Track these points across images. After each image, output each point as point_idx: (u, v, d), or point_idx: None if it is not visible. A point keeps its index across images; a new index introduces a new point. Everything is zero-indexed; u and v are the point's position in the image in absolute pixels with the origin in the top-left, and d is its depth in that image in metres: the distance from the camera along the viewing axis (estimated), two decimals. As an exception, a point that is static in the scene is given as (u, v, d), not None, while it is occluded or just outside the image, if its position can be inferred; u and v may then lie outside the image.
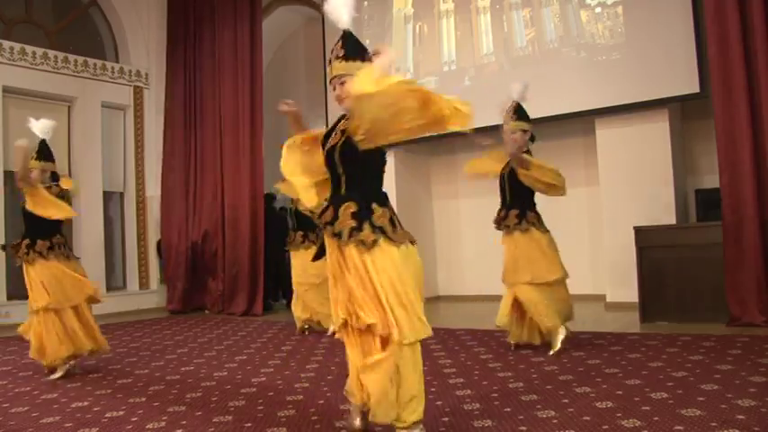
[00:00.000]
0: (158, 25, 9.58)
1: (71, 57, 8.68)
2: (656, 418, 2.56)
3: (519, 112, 4.41)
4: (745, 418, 2.50)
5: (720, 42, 5.17)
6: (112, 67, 9.20)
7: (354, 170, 2.51)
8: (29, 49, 8.24)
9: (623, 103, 6.38)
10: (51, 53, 8.47)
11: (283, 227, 9.25)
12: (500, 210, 4.49)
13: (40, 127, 4.73)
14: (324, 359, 4.46)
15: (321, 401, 3.21)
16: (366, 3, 8.58)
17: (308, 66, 10.38)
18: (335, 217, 2.48)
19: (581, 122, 6.92)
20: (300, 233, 6.10)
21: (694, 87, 5.96)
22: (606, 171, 6.61)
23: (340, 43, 2.52)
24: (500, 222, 4.44)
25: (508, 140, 4.31)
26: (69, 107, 8.80)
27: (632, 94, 6.32)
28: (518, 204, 4.36)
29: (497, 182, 4.56)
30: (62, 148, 8.73)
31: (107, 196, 9.13)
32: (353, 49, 2.50)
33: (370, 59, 2.45)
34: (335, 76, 2.51)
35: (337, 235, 2.46)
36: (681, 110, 6.65)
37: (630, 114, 6.41)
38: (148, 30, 9.58)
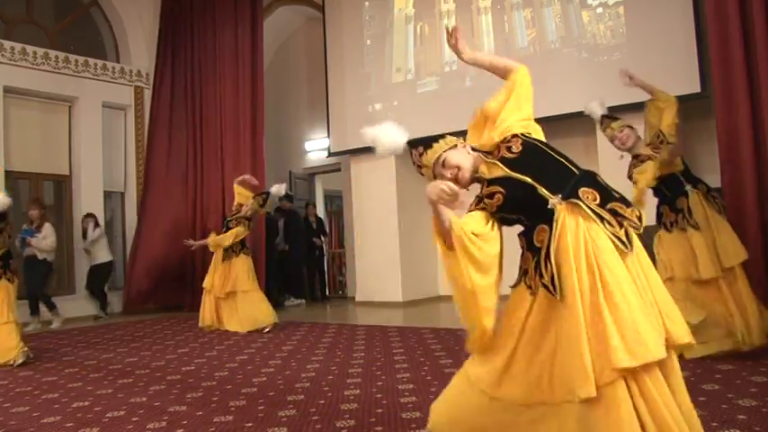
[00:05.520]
0: (159, 25, 9.58)
1: (72, 57, 8.69)
2: (657, 418, 2.55)
3: (610, 117, 4.36)
4: (746, 417, 2.49)
5: (721, 42, 5.17)
6: (113, 67, 9.20)
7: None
8: (29, 49, 8.25)
9: (624, 102, 6.37)
10: (52, 53, 8.48)
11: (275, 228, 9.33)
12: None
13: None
14: (324, 359, 4.46)
15: (322, 401, 3.20)
16: (367, 3, 8.58)
17: (308, 66, 10.38)
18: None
19: (582, 122, 6.89)
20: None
21: (695, 87, 5.95)
22: (607, 171, 6.51)
23: (414, 154, 2.18)
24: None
25: (620, 141, 4.21)
26: (70, 107, 8.81)
27: (633, 94, 6.28)
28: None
29: None
30: (63, 148, 8.75)
31: (107, 196, 9.15)
32: (426, 141, 2.17)
33: (447, 136, 2.18)
34: (434, 165, 2.13)
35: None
36: (682, 109, 6.63)
37: (631, 114, 6.39)
38: (149, 30, 9.59)
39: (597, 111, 4.44)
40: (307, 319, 7.33)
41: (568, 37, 6.85)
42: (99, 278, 8.32)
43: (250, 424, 2.85)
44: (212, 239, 6.50)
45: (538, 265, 1.90)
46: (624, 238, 1.81)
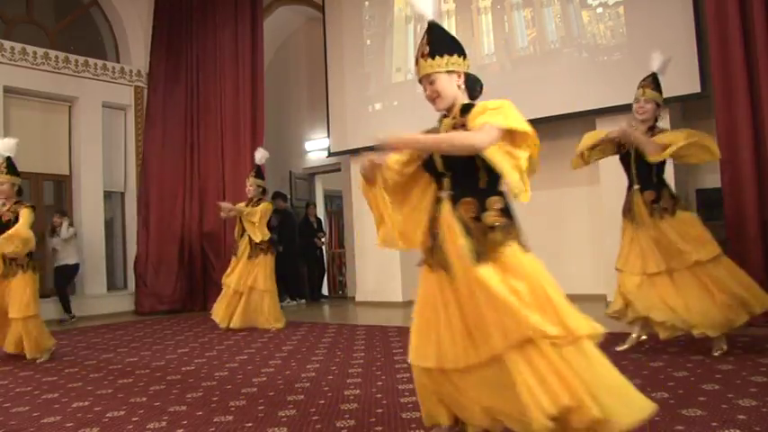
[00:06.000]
0: (159, 25, 9.58)
1: (72, 57, 8.70)
2: (656, 418, 2.54)
3: (657, 83, 4.06)
4: (746, 417, 2.49)
5: (721, 42, 5.17)
6: (113, 67, 9.21)
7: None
8: (29, 49, 8.25)
9: (624, 102, 6.37)
10: (52, 53, 8.48)
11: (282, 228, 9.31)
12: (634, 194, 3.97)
13: (4, 145, 5.15)
14: (325, 359, 4.46)
15: (322, 401, 3.20)
16: (367, 3, 8.59)
17: (308, 65, 10.38)
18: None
19: (582, 122, 6.91)
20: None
21: (695, 87, 5.95)
22: (607, 170, 6.57)
23: (425, 38, 2.21)
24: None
25: (639, 109, 4.01)
26: (70, 107, 8.82)
27: (633, 94, 6.31)
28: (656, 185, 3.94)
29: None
30: (63, 148, 8.76)
31: (107, 196, 9.14)
32: (440, 44, 2.21)
33: (460, 52, 2.21)
34: (424, 76, 2.21)
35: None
36: (682, 109, 6.65)
37: (632, 114, 6.39)
38: (149, 30, 9.59)
39: (655, 65, 4.17)
40: (307, 319, 7.34)
41: (568, 37, 6.86)
42: (63, 279, 7.96)
43: (250, 424, 2.85)
44: (246, 208, 6.42)
45: (433, 248, 2.17)
46: (475, 253, 2.01)
